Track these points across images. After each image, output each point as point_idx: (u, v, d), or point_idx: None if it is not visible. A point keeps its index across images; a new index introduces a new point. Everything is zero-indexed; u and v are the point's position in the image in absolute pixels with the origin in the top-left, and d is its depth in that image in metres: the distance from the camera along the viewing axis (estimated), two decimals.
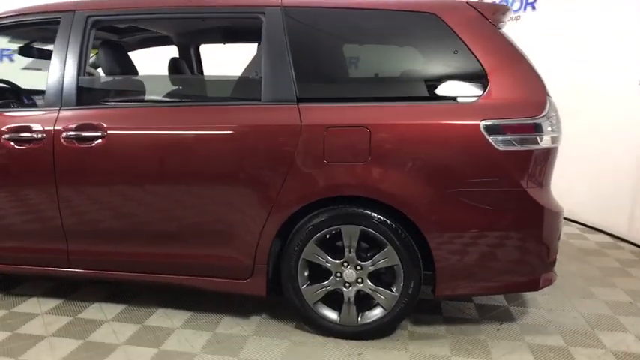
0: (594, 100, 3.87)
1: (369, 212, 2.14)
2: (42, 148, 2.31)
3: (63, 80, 2.36)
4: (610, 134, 3.78)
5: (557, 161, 2.19)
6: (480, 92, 2.09)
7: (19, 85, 3.43)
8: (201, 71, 3.69)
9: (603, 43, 3.83)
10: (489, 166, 2.07)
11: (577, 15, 4.03)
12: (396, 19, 2.22)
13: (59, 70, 2.37)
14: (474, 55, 2.10)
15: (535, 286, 2.23)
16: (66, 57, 2.37)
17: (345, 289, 2.25)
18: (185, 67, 3.35)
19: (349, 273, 2.23)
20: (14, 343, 2.26)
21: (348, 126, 2.12)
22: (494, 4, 3.83)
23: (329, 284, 2.26)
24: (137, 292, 2.76)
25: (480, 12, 2.18)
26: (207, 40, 3.61)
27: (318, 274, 2.27)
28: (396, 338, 2.30)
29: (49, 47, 3.18)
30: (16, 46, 3.54)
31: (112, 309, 2.59)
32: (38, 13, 2.51)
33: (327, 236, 2.22)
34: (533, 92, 2.11)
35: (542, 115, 2.06)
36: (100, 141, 2.27)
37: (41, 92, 3.28)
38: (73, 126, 2.29)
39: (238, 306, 2.58)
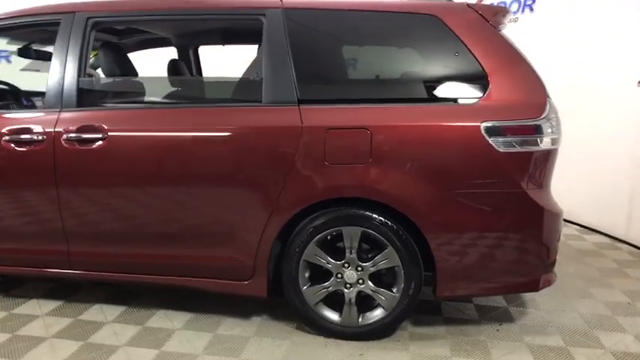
0: (592, 101, 3.89)
1: (370, 213, 2.15)
2: (42, 149, 2.31)
3: (63, 82, 2.35)
4: (608, 135, 3.80)
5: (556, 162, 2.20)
6: (480, 94, 2.10)
7: (17, 86, 3.43)
8: (200, 72, 3.69)
9: (601, 44, 3.84)
10: (490, 168, 2.08)
11: (575, 16, 4.04)
12: (397, 21, 2.23)
13: (59, 72, 2.37)
14: (474, 56, 2.11)
15: (535, 287, 2.24)
16: (66, 58, 2.37)
17: (345, 290, 2.26)
18: (184, 68, 3.35)
19: (350, 274, 2.24)
20: (15, 344, 2.26)
21: (349, 127, 2.12)
22: (494, 5, 3.86)
23: (330, 285, 2.26)
24: (137, 294, 2.76)
25: (480, 14, 2.18)
26: (207, 41, 3.61)
27: (319, 275, 2.28)
28: (397, 339, 2.31)
29: (48, 48, 3.19)
30: (13, 48, 3.53)
31: (112, 310, 2.59)
32: (38, 14, 2.51)
33: (328, 237, 2.23)
34: (533, 94, 2.13)
35: (542, 116, 2.07)
36: (100, 142, 2.26)
37: (40, 94, 3.30)
38: (74, 128, 2.29)
39: (239, 307, 2.58)
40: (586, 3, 3.99)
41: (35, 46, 3.22)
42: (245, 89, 2.48)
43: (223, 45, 3.51)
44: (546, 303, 2.69)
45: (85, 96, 2.40)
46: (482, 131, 2.04)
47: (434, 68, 2.26)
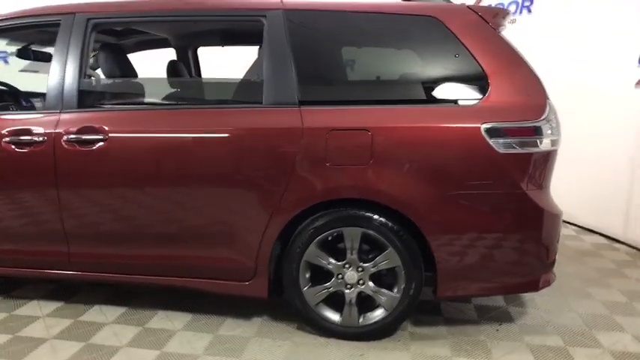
0: (589, 101, 3.90)
1: (371, 214, 2.15)
2: (43, 151, 2.31)
3: (64, 83, 2.35)
4: (606, 136, 3.81)
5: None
6: (480, 95, 2.12)
7: (16, 87, 3.42)
8: (199, 74, 3.69)
9: (600, 44, 3.86)
10: (490, 169, 2.09)
11: (573, 17, 4.06)
12: (398, 22, 2.24)
13: (60, 73, 2.36)
14: (474, 58, 2.13)
15: (535, 287, 2.25)
16: (66, 60, 2.37)
17: (346, 290, 2.26)
18: (184, 69, 3.35)
19: (351, 275, 2.25)
20: (16, 346, 2.26)
21: (350, 129, 2.13)
22: (494, 7, 3.87)
23: (330, 286, 2.27)
24: (137, 295, 2.76)
25: (480, 15, 2.20)
26: (207, 42, 3.62)
27: (320, 275, 2.28)
28: (398, 339, 2.32)
29: (48, 49, 3.19)
30: (10, 49, 3.53)
31: (112, 311, 2.59)
32: (38, 15, 2.51)
33: (329, 238, 2.23)
34: (533, 95, 2.14)
35: (542, 118, 2.08)
36: (101, 144, 2.26)
37: (38, 95, 3.30)
38: (74, 129, 2.29)
39: (240, 308, 2.59)
40: (584, 4, 4.01)
41: (34, 47, 3.22)
42: (246, 90, 2.48)
43: (223, 46, 3.51)
44: (545, 303, 2.71)
45: (86, 97, 2.41)
46: (483, 132, 2.05)
47: (434, 70, 2.27)
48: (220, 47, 3.59)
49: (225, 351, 2.23)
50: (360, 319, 2.28)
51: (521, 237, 2.16)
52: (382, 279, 2.28)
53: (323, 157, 2.12)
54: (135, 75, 2.69)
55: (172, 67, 3.18)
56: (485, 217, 2.13)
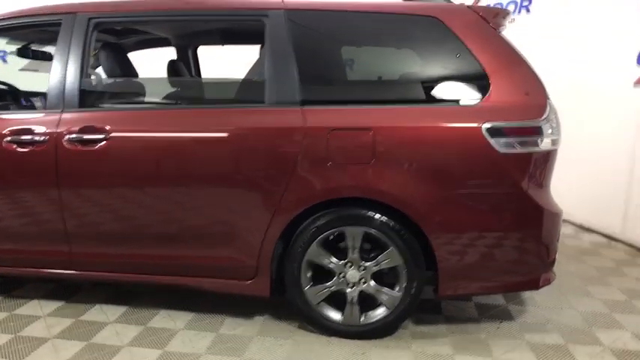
0: (589, 101, 3.92)
1: (373, 214, 2.16)
2: (44, 150, 2.30)
3: (65, 82, 2.35)
4: (605, 135, 3.83)
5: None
6: (481, 95, 2.13)
7: (16, 86, 3.41)
8: (198, 73, 3.69)
9: (598, 44, 3.87)
10: (491, 168, 2.10)
11: (571, 17, 4.07)
12: (399, 22, 2.24)
13: (61, 73, 2.36)
14: (475, 58, 2.13)
15: (535, 286, 2.26)
16: (68, 59, 2.36)
17: (348, 289, 2.27)
18: (184, 69, 3.35)
19: (352, 273, 2.25)
20: (17, 345, 2.26)
21: (352, 128, 2.14)
22: (494, 7, 3.88)
23: (332, 285, 2.28)
24: (138, 294, 2.76)
25: (481, 15, 2.21)
26: (207, 41, 3.62)
27: (322, 274, 2.29)
28: (399, 337, 2.33)
29: (48, 49, 3.18)
30: (10, 48, 3.52)
31: (113, 311, 2.59)
32: (38, 14, 2.50)
33: (331, 237, 2.24)
34: (533, 95, 2.15)
35: (542, 117, 2.09)
36: (103, 143, 2.26)
37: (39, 94, 3.29)
38: (76, 128, 2.29)
39: (241, 307, 2.60)
40: (582, 3, 4.02)
41: (34, 47, 3.21)
42: (248, 90, 2.49)
43: (223, 45, 3.52)
44: (545, 301, 2.72)
45: (87, 97, 2.40)
46: (484, 132, 2.06)
47: (435, 70, 2.28)
48: (220, 46, 3.59)
49: (227, 350, 2.23)
50: (362, 318, 2.29)
51: (521, 236, 2.17)
52: (383, 278, 2.29)
53: (325, 156, 2.13)
54: (136, 74, 2.69)
55: (173, 67, 3.19)
56: (486, 216, 2.14)
